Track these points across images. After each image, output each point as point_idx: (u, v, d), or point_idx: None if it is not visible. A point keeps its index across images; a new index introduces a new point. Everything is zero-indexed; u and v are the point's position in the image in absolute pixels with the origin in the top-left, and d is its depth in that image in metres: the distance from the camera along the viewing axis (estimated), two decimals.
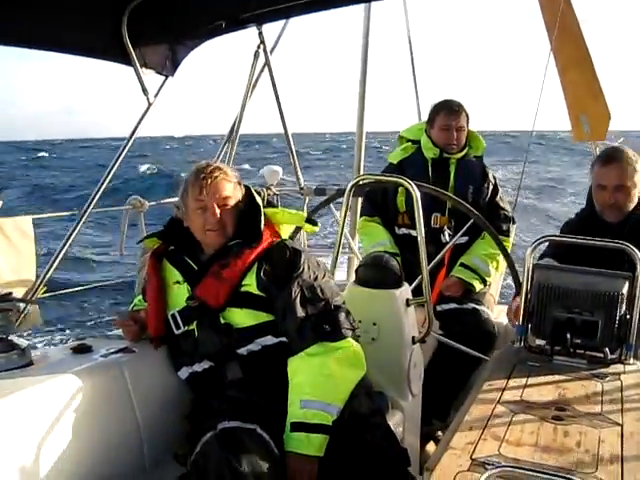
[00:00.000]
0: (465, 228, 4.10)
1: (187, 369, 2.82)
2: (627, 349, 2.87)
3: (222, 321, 2.74)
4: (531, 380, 2.56)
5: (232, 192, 2.82)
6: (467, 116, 4.40)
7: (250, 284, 2.74)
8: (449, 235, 4.30)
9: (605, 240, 3.14)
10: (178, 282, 2.85)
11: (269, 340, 2.74)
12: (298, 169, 5.51)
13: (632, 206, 3.56)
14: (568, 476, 1.72)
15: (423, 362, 3.53)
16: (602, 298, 2.79)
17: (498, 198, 4.47)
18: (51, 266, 3.89)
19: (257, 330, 2.74)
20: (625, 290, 2.80)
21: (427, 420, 3.72)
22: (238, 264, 2.74)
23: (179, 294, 2.83)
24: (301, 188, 5.52)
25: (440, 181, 4.25)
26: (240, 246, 2.78)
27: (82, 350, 2.83)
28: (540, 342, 2.91)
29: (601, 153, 3.76)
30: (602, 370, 2.72)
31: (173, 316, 2.83)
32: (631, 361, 2.85)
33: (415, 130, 4.58)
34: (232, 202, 2.81)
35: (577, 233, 3.45)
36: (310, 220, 3.02)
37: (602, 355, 2.83)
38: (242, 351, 2.73)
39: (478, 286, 4.30)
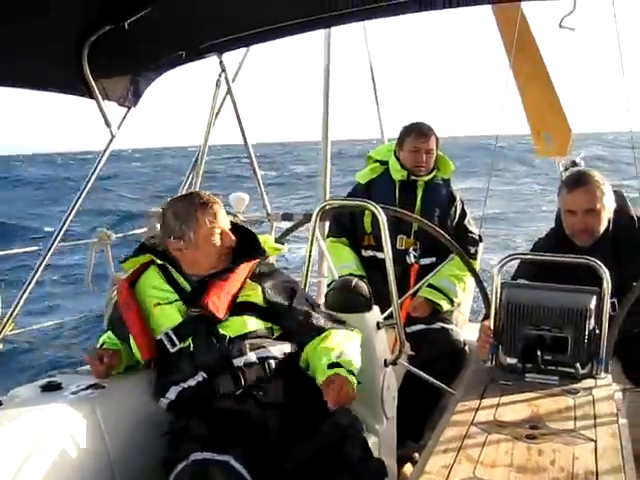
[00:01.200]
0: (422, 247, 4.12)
1: (176, 388, 2.80)
2: (598, 363, 2.89)
3: (220, 331, 2.79)
4: (504, 399, 2.56)
5: (227, 224, 2.98)
6: (437, 140, 4.42)
7: (250, 295, 2.87)
8: (414, 257, 4.32)
9: (570, 256, 3.17)
10: (160, 303, 2.87)
11: (265, 352, 2.79)
12: (264, 195, 5.50)
13: (602, 229, 3.58)
14: None
15: (396, 384, 3.51)
16: (570, 314, 2.81)
17: (466, 221, 4.50)
18: (18, 303, 3.83)
19: (254, 340, 2.80)
20: (593, 305, 2.83)
21: (401, 441, 3.70)
22: (236, 278, 2.87)
23: (168, 313, 2.85)
24: (268, 214, 5.52)
25: (407, 203, 4.28)
26: (237, 263, 2.93)
27: (51, 388, 2.78)
28: (511, 360, 2.91)
29: (567, 178, 3.76)
30: (574, 385, 2.73)
31: (167, 335, 2.83)
32: (602, 375, 2.87)
33: (384, 151, 4.60)
34: (225, 230, 2.96)
35: (551, 249, 3.51)
36: (277, 241, 3.18)
37: (573, 370, 2.84)
38: (238, 362, 2.75)
39: (446, 306, 4.32)
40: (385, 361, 3.35)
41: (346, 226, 4.50)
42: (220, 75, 4.65)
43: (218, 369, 2.75)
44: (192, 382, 2.77)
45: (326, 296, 3.47)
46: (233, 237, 2.92)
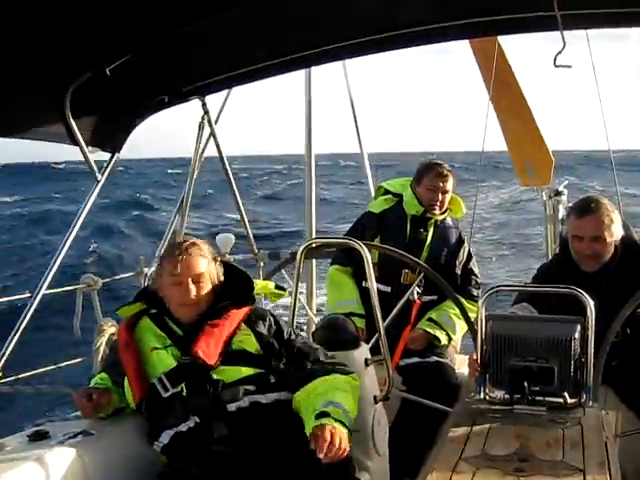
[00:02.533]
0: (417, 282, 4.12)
1: (169, 432, 2.79)
2: (585, 392, 2.90)
3: (214, 377, 2.78)
4: (492, 432, 2.56)
5: (206, 268, 2.92)
6: (454, 180, 4.44)
7: (243, 341, 2.85)
8: (417, 293, 4.31)
9: (556, 286, 3.19)
10: (157, 347, 2.88)
11: (258, 397, 2.79)
12: (251, 236, 5.52)
13: (609, 256, 3.62)
14: None
15: (387, 420, 3.49)
16: (555, 344, 2.82)
17: (471, 264, 4.52)
18: (5, 352, 3.81)
19: (247, 386, 2.79)
20: (577, 334, 2.84)
21: (398, 478, 3.67)
22: (227, 325, 2.85)
23: (163, 358, 2.85)
24: (255, 254, 5.54)
25: (417, 239, 4.33)
26: (227, 308, 2.90)
27: (39, 437, 2.75)
28: (499, 392, 2.92)
29: (577, 204, 3.79)
30: (562, 415, 2.73)
31: (160, 380, 2.82)
32: (590, 404, 2.87)
33: (398, 185, 4.61)
34: (206, 278, 2.91)
35: (553, 279, 3.53)
36: (278, 287, 3.14)
37: (562, 400, 2.85)
38: (231, 407, 2.75)
39: (443, 340, 4.30)
40: (375, 397, 3.34)
41: (353, 255, 4.49)
42: (203, 118, 4.68)
43: (211, 414, 2.74)
44: (184, 427, 2.77)
45: (313, 335, 3.48)
46: (193, 291, 2.85)
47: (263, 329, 2.92)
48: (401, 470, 3.69)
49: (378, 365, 3.46)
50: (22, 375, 4.74)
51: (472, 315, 4.13)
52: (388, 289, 4.31)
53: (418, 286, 4.28)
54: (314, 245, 3.73)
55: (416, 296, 4.30)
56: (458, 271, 4.41)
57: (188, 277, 2.85)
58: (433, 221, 4.41)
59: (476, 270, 4.55)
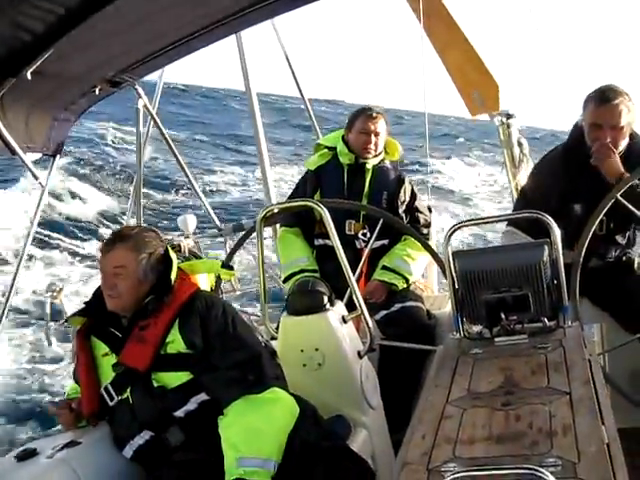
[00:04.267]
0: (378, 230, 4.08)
1: (130, 447, 2.76)
2: (563, 312, 2.90)
3: (155, 384, 2.72)
4: (476, 369, 2.54)
5: (128, 261, 2.82)
6: (386, 122, 4.47)
7: (174, 341, 2.74)
8: (363, 241, 4.31)
9: (516, 212, 3.18)
10: (106, 354, 2.84)
11: (204, 396, 2.72)
12: (210, 211, 5.46)
13: (624, 144, 3.70)
14: (523, 465, 1.71)
15: (375, 373, 3.49)
16: (525, 271, 2.81)
17: (417, 203, 4.51)
18: None
19: (190, 387, 2.72)
20: (545, 257, 2.83)
21: (398, 428, 3.67)
22: (158, 323, 2.75)
23: (108, 365, 2.81)
24: (219, 230, 5.48)
25: (355, 188, 4.33)
26: (155, 303, 2.79)
27: (27, 456, 2.71)
28: (477, 328, 2.92)
29: (596, 91, 3.77)
30: (544, 340, 2.72)
31: (106, 389, 2.80)
32: (569, 323, 2.88)
33: (332, 137, 4.62)
34: (128, 271, 2.81)
35: (562, 164, 3.78)
36: (226, 266, 3.03)
37: (541, 325, 2.84)
38: (179, 413, 2.70)
39: (401, 285, 4.31)
40: (359, 353, 3.33)
41: (300, 214, 4.48)
42: (137, 103, 4.58)
43: (161, 424, 2.71)
44: (141, 440, 2.74)
45: (287, 301, 3.45)
46: (112, 283, 2.79)
47: (194, 324, 2.77)
48: (398, 419, 3.71)
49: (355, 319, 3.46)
50: None
51: (424, 256, 4.18)
52: None
53: (364, 234, 4.30)
54: (275, 211, 3.68)
55: (363, 244, 4.31)
56: (401, 212, 4.40)
57: (109, 269, 2.80)
58: (370, 167, 4.42)
59: (422, 208, 4.55)
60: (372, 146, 4.40)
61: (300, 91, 6.24)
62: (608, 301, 3.81)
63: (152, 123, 4.89)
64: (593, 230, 3.43)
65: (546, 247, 2.87)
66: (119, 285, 2.79)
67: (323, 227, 4.33)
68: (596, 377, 2.30)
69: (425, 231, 4.44)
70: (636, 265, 3.97)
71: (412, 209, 4.48)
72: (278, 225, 4.72)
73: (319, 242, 4.43)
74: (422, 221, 4.49)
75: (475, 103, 5.61)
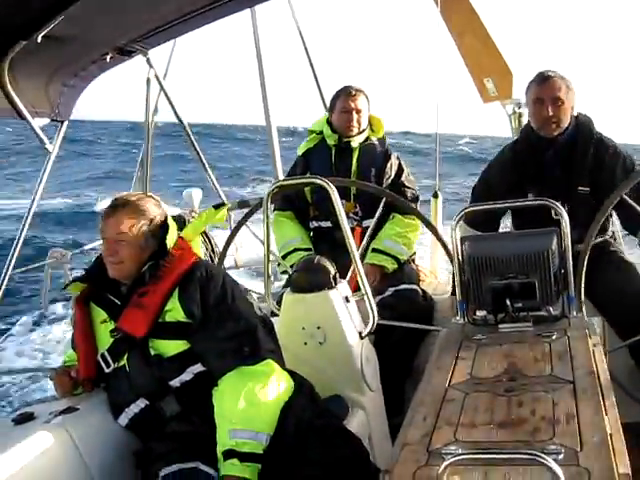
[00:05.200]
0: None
1: (125, 415, 2.76)
2: (569, 302, 2.88)
3: (152, 352, 2.71)
4: (479, 354, 2.53)
5: (130, 228, 2.79)
6: (367, 99, 4.46)
7: (173, 309, 2.72)
8: (355, 220, 4.33)
9: (528, 200, 3.16)
10: (105, 321, 2.83)
11: (200, 367, 2.71)
12: (217, 186, 5.43)
13: (566, 121, 3.88)
14: (525, 450, 1.69)
15: (376, 355, 3.48)
16: (533, 258, 2.79)
17: (403, 177, 4.50)
18: None
19: (187, 357, 2.71)
20: (554, 246, 2.81)
21: (396, 411, 3.66)
22: (157, 291, 2.73)
23: (105, 332, 2.80)
24: (224, 204, 5.45)
25: (343, 167, 4.35)
26: (153, 270, 2.77)
27: (24, 419, 2.71)
28: (482, 313, 2.90)
29: (536, 75, 4.02)
30: (548, 329, 2.71)
31: (102, 355, 2.79)
32: (574, 313, 2.86)
33: (319, 122, 4.63)
34: (129, 238, 2.78)
35: (517, 153, 4.03)
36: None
37: (545, 313, 2.83)
38: (175, 382, 2.69)
39: (391, 267, 4.31)
40: (360, 334, 3.31)
41: (292, 199, 4.50)
42: (149, 73, 4.55)
43: (157, 393, 2.70)
44: (136, 408, 2.73)
45: (290, 278, 3.43)
46: (114, 249, 2.76)
47: (193, 293, 2.73)
48: (396, 402, 3.70)
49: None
50: None
51: (413, 233, 4.24)
52: (329, 224, 4.37)
53: (355, 213, 4.31)
54: (279, 189, 3.65)
55: (355, 223, 4.33)
56: (386, 187, 4.37)
57: (111, 235, 2.78)
58: (357, 145, 4.42)
59: (409, 183, 4.53)
60: (355, 123, 4.40)
61: (315, 77, 6.21)
62: (600, 299, 3.80)
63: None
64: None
65: (555, 236, 2.85)
66: (121, 252, 2.77)
67: (317, 210, 4.37)
68: (600, 367, 2.29)
69: (413, 206, 4.39)
70: (612, 247, 4.07)
71: (398, 184, 4.46)
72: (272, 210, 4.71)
73: (314, 225, 4.47)
74: (409, 195, 4.47)
75: (487, 91, 5.58)
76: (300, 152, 4.59)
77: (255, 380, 2.58)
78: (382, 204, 3.88)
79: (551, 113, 3.84)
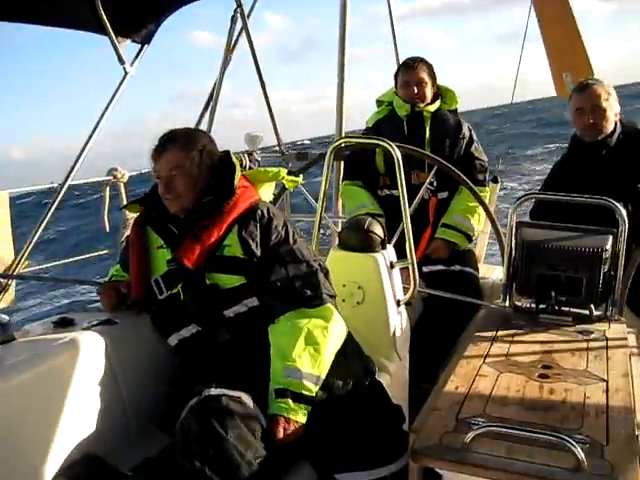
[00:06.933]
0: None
1: (176, 336, 2.78)
2: (612, 305, 2.87)
3: (207, 282, 2.71)
4: (516, 339, 2.54)
5: (183, 161, 2.76)
6: (428, 69, 4.38)
7: (232, 245, 2.71)
8: (430, 191, 4.27)
9: (588, 196, 3.13)
10: (161, 247, 2.82)
11: (255, 301, 2.71)
12: (279, 133, 5.43)
13: (609, 127, 3.88)
14: (553, 433, 1.71)
15: (410, 324, 3.50)
16: (586, 255, 2.78)
17: (473, 148, 4.42)
18: (32, 240, 3.83)
19: (243, 291, 2.70)
20: (609, 246, 2.80)
21: (416, 383, 3.69)
22: (217, 225, 2.72)
23: (161, 259, 2.80)
24: (282, 153, 5.46)
25: (416, 137, 4.23)
26: (215, 205, 2.76)
27: (64, 324, 2.77)
28: (525, 301, 2.90)
29: (576, 85, 4.10)
30: (587, 327, 2.71)
31: (156, 281, 2.79)
32: (616, 317, 2.85)
33: (389, 93, 4.56)
34: (182, 170, 2.75)
35: (565, 165, 4.00)
36: (291, 173, 3.03)
37: (587, 312, 2.82)
38: (228, 312, 2.69)
39: (462, 243, 4.27)
40: (398, 301, 3.33)
41: (359, 169, 4.46)
42: (235, 11, 4.54)
43: (210, 321, 2.71)
44: (187, 332, 2.75)
45: (340, 235, 3.45)
46: (168, 185, 2.73)
47: (253, 231, 2.73)
48: (419, 374, 3.73)
49: (403, 268, 3.44)
50: (48, 265, 4.79)
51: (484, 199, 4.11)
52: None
53: (430, 184, 4.21)
54: (343, 145, 3.64)
55: (430, 194, 4.28)
56: (460, 158, 4.33)
57: (163, 171, 2.75)
58: (428, 115, 4.34)
59: (479, 154, 4.46)
60: (416, 95, 4.33)
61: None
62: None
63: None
64: None
65: (611, 236, 2.83)
66: (177, 186, 2.76)
67: (386, 179, 4.32)
68: (635, 372, 2.29)
69: (481, 177, 4.36)
70: None
71: (468, 155, 4.40)
72: (340, 181, 4.71)
73: (384, 193, 4.40)
74: (478, 167, 4.40)
75: (564, 84, 5.50)
76: (370, 124, 4.50)
77: (316, 322, 2.59)
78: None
79: (592, 121, 3.85)
